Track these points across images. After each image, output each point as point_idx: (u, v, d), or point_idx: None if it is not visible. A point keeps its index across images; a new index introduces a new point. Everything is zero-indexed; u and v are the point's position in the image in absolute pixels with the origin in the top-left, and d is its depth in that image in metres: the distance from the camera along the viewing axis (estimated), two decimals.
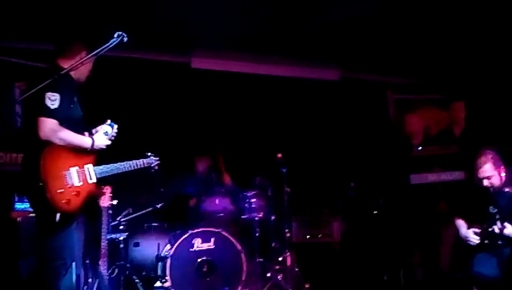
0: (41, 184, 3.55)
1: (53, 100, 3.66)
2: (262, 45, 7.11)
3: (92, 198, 3.97)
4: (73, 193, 3.71)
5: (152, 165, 4.54)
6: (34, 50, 6.47)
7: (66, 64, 3.93)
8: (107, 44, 3.78)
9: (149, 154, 4.57)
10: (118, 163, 4.15)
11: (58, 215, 3.61)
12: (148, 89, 7.05)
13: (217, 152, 7.01)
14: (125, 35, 3.75)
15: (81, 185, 3.77)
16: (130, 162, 4.27)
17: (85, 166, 3.86)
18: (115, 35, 3.77)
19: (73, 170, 3.75)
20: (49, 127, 3.63)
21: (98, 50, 3.83)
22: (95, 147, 3.92)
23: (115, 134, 4.19)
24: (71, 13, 5.90)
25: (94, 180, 3.90)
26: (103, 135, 4.06)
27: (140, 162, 4.38)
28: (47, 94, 3.66)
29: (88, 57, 3.93)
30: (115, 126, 4.23)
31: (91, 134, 4.04)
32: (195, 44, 7.11)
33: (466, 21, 6.25)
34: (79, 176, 3.77)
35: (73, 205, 3.71)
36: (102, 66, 4.41)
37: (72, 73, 3.95)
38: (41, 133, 3.62)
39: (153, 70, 7.08)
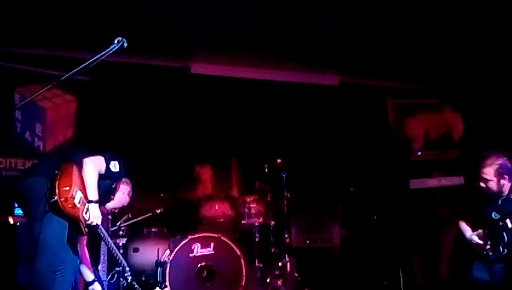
0: (56, 172, 3.83)
1: (115, 168, 4.25)
2: (262, 51, 7.12)
3: (80, 224, 4.03)
4: (71, 201, 3.83)
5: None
6: (33, 56, 6.49)
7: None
8: (108, 50, 3.79)
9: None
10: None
11: (54, 198, 3.78)
12: (147, 95, 7.06)
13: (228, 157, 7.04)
14: (125, 41, 3.76)
15: (79, 206, 3.89)
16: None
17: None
18: (115, 41, 3.77)
19: (79, 193, 3.92)
20: (97, 161, 4.11)
21: (98, 56, 3.84)
22: (90, 207, 4.01)
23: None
24: (71, 19, 5.91)
25: (86, 217, 4.02)
26: (99, 214, 4.12)
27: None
28: (116, 163, 4.26)
29: (89, 62, 3.94)
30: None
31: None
32: (195, 49, 7.12)
33: (465, 26, 6.27)
34: (80, 201, 3.91)
35: (66, 208, 3.81)
36: (102, 72, 4.43)
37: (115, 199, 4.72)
38: (88, 159, 4.06)
39: (152, 75, 7.09)
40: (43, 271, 3.79)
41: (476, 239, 4.95)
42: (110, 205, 4.80)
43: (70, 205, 3.77)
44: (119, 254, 4.79)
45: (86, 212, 3.96)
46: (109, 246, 4.74)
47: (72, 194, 3.80)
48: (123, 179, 4.66)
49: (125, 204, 4.98)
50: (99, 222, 4.14)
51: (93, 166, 4.06)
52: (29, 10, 5.68)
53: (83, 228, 3.95)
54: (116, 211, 5.18)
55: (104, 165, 4.15)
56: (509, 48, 6.49)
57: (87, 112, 6.80)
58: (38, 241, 3.81)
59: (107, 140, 4.44)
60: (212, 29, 6.38)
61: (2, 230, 5.51)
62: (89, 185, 4.02)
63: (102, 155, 4.18)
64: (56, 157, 4.21)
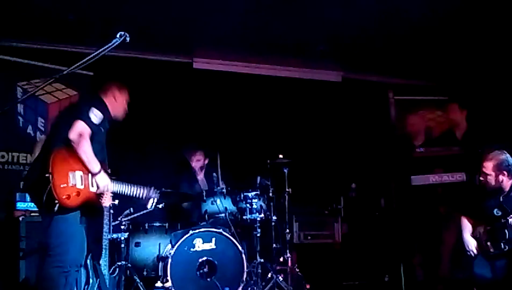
0: (47, 175, 3.75)
1: (96, 116, 3.98)
2: (265, 46, 7.12)
3: (92, 202, 4.10)
4: (74, 193, 3.86)
5: (152, 197, 4.67)
6: (36, 50, 6.49)
7: (105, 98, 4.29)
8: (110, 44, 3.78)
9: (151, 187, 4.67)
10: (119, 184, 4.36)
11: (56, 206, 3.76)
12: (150, 89, 7.06)
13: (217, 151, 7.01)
14: (128, 35, 3.76)
15: (83, 188, 3.92)
16: (132, 187, 4.48)
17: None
18: (118, 35, 3.77)
19: (78, 173, 3.91)
20: (81, 130, 3.88)
21: (100, 50, 3.84)
22: (97, 179, 4.01)
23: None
24: (74, 13, 5.92)
25: (95, 189, 4.07)
26: (108, 179, 4.12)
27: (140, 192, 4.55)
28: (93, 108, 3.99)
29: (91, 56, 3.93)
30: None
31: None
32: (198, 44, 7.12)
33: (468, 21, 6.26)
34: (82, 180, 3.92)
35: (73, 202, 3.85)
36: (105, 66, 4.44)
37: (109, 106, 4.31)
38: (72, 134, 3.85)
39: (155, 70, 7.10)
40: (54, 272, 3.79)
41: (471, 245, 4.98)
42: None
43: (74, 195, 3.79)
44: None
45: (92, 185, 3.97)
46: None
47: (72, 183, 3.81)
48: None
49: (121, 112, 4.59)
50: (110, 188, 4.15)
51: (82, 140, 3.90)
52: (32, 4, 5.69)
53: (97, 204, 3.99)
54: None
55: (88, 127, 3.95)
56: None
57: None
58: (49, 240, 3.82)
59: (109, 134, 4.42)
60: (215, 24, 6.38)
61: (5, 224, 5.53)
62: (88, 160, 3.95)
63: (77, 119, 3.93)
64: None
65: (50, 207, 3.77)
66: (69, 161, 3.89)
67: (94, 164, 3.98)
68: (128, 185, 4.44)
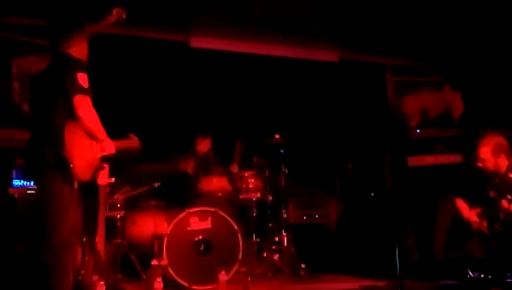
0: (65, 155, 3.67)
1: (84, 80, 3.76)
2: (262, 26, 7.07)
3: (97, 170, 4.07)
4: (88, 165, 3.87)
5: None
6: (31, 26, 6.42)
7: (67, 50, 3.96)
8: (105, 21, 3.75)
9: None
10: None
11: (76, 183, 3.75)
12: (146, 68, 7.02)
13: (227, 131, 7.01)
14: (124, 12, 3.73)
15: (94, 157, 3.92)
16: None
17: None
18: (114, 12, 3.74)
19: (89, 143, 3.89)
20: (87, 104, 3.73)
21: (97, 27, 3.80)
22: (104, 145, 3.96)
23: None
24: None
25: (99, 155, 4.03)
26: (112, 143, 4.06)
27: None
28: (78, 75, 3.74)
29: (86, 33, 3.90)
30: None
31: None
32: (195, 23, 7.07)
33: (466, 3, 6.22)
34: (93, 149, 3.91)
35: (87, 175, 3.86)
36: (101, 44, 4.39)
37: (75, 55, 4.00)
38: (81, 111, 3.70)
39: (151, 49, 7.05)
40: (50, 249, 3.79)
41: (473, 217, 4.97)
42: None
43: (87, 168, 3.83)
44: None
45: (97, 152, 3.96)
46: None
47: (85, 156, 3.83)
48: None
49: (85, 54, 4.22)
50: (113, 151, 4.08)
51: (92, 113, 3.80)
52: None
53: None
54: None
55: (89, 98, 3.79)
56: (510, 27, 6.45)
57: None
58: (49, 215, 3.82)
59: (105, 113, 4.40)
60: (212, 3, 6.33)
61: (1, 201, 5.53)
62: (97, 130, 3.87)
63: (76, 96, 3.72)
64: None
65: (69, 185, 3.74)
66: (79, 134, 3.82)
67: (102, 130, 3.91)
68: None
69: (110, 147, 4.03)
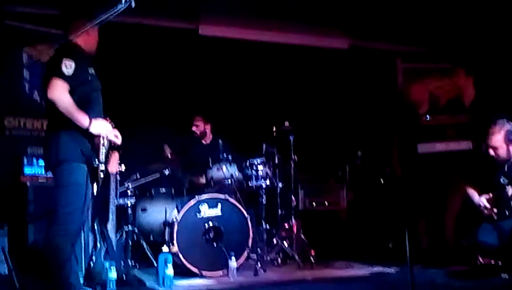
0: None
1: (68, 67, 3.73)
2: (271, 12, 7.04)
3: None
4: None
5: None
6: (42, 15, 6.44)
7: (75, 39, 3.99)
8: (114, 10, 3.75)
9: None
10: None
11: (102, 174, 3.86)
12: (155, 56, 7.03)
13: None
14: (133, 0, 3.72)
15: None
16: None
17: None
18: (123, 0, 3.73)
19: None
20: (59, 88, 3.69)
21: (104, 16, 3.80)
22: (91, 130, 3.80)
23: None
24: None
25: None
26: (106, 124, 3.92)
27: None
28: (64, 60, 3.74)
29: (96, 22, 3.90)
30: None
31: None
32: (204, 11, 7.05)
33: None
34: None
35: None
36: (110, 33, 4.40)
37: (82, 44, 4.04)
38: (49, 93, 3.69)
39: (160, 37, 7.04)
40: (59, 238, 3.81)
41: (484, 202, 4.97)
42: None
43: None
44: None
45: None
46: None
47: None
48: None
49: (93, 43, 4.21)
50: (110, 136, 3.93)
51: (62, 98, 3.69)
52: None
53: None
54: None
55: (66, 83, 3.71)
56: None
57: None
58: (57, 206, 3.83)
59: (115, 101, 4.41)
60: None
61: (13, 189, 5.58)
62: (71, 115, 3.72)
63: (52, 79, 3.69)
64: None
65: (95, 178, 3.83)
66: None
67: (80, 116, 3.75)
68: None
69: (99, 128, 3.85)
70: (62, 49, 3.92)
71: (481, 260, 5.07)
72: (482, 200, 5.00)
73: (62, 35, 4.15)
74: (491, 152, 4.92)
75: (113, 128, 3.99)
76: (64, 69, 3.71)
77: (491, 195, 4.98)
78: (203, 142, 6.79)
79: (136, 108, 6.82)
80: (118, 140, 4.02)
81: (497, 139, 4.88)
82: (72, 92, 3.75)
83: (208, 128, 6.80)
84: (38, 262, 4.49)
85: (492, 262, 4.98)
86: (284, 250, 6.09)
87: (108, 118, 4.01)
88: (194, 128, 6.75)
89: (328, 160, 7.61)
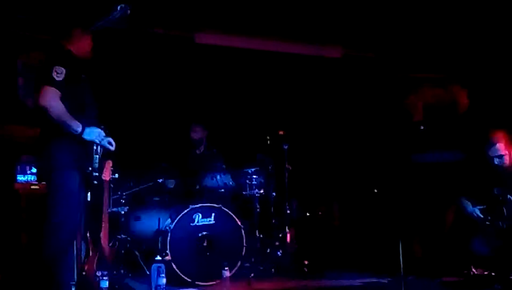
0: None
1: (59, 73, 3.73)
2: (265, 22, 7.06)
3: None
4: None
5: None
6: (36, 23, 6.44)
7: (68, 45, 4.00)
8: (110, 17, 3.76)
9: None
10: None
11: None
12: (150, 64, 7.02)
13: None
14: (129, 8, 3.73)
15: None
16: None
17: None
18: (118, 8, 3.74)
19: None
20: (51, 95, 3.69)
21: (100, 23, 3.81)
22: (84, 137, 3.81)
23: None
24: None
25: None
26: (99, 131, 3.91)
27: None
28: (55, 67, 3.74)
29: (92, 29, 3.91)
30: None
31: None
32: (199, 19, 7.06)
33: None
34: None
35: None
36: (105, 40, 4.40)
37: (74, 50, 4.03)
38: (41, 101, 3.69)
39: (156, 44, 7.04)
40: (55, 245, 3.80)
41: (478, 212, 4.99)
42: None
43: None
44: None
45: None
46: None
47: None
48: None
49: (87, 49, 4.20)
50: (104, 143, 3.94)
51: (54, 105, 3.72)
52: None
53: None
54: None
55: (57, 91, 3.73)
56: None
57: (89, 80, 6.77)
58: (52, 212, 3.82)
59: (109, 108, 4.40)
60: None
61: (6, 196, 5.55)
62: (63, 122, 3.74)
63: (44, 86, 3.73)
64: None
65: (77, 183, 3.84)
66: None
67: (73, 122, 3.76)
68: None
69: (92, 135, 3.87)
70: (53, 56, 3.92)
71: (474, 271, 5.07)
72: (476, 211, 5.01)
73: (54, 42, 4.13)
74: (496, 161, 4.95)
75: (107, 135, 3.97)
76: (55, 76, 3.72)
77: (483, 206, 4.99)
78: (197, 151, 6.77)
79: (130, 115, 6.80)
80: (112, 147, 4.00)
81: (500, 147, 4.93)
82: (64, 99, 3.75)
83: (204, 137, 6.79)
84: (30, 270, 4.46)
85: (486, 272, 4.98)
86: (277, 259, 6.08)
87: (102, 125, 3.99)
88: (192, 135, 6.71)
89: (322, 169, 7.61)
